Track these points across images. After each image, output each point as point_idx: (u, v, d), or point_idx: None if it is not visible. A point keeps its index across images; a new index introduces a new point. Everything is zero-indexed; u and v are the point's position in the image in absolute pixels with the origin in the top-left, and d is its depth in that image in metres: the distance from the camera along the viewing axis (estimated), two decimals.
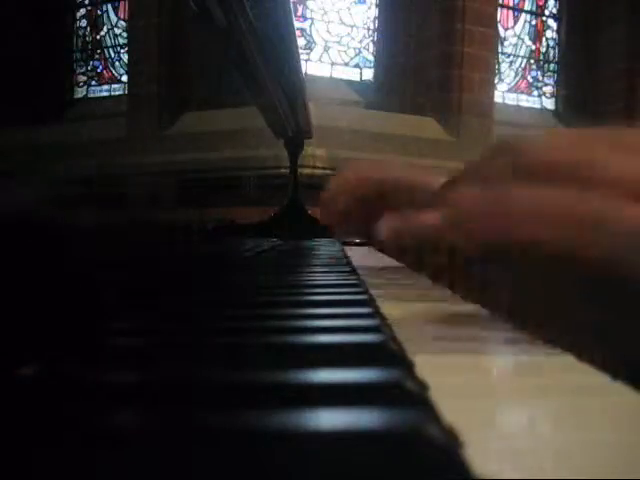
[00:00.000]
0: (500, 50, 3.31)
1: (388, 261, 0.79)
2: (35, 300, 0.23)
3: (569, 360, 0.22)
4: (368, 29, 3.14)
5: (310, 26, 3.04)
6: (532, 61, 3.48)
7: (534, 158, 0.24)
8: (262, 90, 0.86)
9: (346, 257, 0.74)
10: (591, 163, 0.23)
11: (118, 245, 0.35)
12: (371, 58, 3.15)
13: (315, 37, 3.05)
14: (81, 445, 0.11)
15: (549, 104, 3.50)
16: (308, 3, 3.02)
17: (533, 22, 3.47)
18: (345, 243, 1.11)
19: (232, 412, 0.12)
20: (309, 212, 1.22)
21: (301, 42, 2.93)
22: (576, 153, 0.24)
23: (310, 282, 0.45)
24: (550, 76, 3.51)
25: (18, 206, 0.25)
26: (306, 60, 2.96)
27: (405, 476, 0.11)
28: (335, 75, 3.07)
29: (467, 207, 0.23)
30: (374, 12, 3.13)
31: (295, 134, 1.19)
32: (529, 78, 3.47)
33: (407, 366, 0.18)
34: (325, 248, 0.95)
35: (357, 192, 0.54)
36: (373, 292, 0.36)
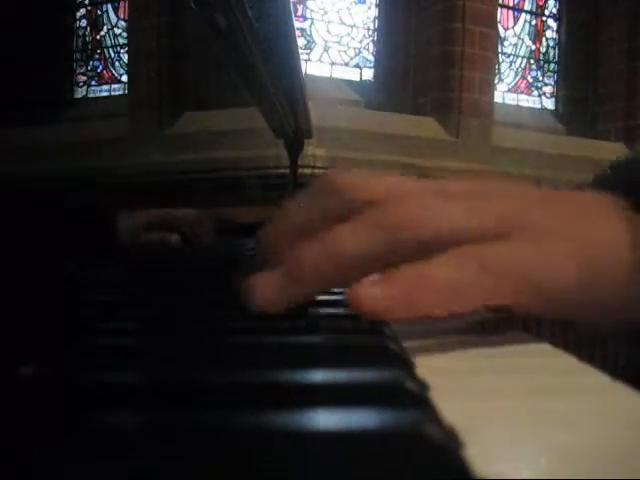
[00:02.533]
0: (500, 50, 3.31)
1: None
2: (35, 300, 0.23)
3: (569, 360, 0.22)
4: (368, 29, 3.14)
5: (310, 26, 3.04)
6: (532, 61, 3.48)
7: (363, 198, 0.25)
8: (262, 90, 0.86)
9: None
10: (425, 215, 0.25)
11: (115, 245, 0.35)
12: (371, 58, 3.14)
13: (315, 37, 3.05)
14: (81, 445, 0.11)
15: (549, 104, 3.49)
16: (308, 3, 3.02)
17: (533, 22, 3.47)
18: None
19: (232, 412, 0.12)
20: None
21: (301, 42, 2.93)
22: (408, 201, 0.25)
23: None
24: (550, 76, 3.51)
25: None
26: (306, 60, 2.96)
27: (405, 476, 0.11)
28: (335, 75, 3.07)
29: (310, 268, 0.24)
30: (374, 12, 3.13)
31: (295, 134, 1.18)
32: (529, 78, 3.46)
33: (407, 366, 0.18)
34: None
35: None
36: None
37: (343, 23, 3.09)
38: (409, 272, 0.23)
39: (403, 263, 0.23)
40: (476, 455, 0.12)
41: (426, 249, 0.23)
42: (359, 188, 0.26)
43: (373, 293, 0.23)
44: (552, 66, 3.52)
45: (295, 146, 1.22)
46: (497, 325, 0.26)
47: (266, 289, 0.24)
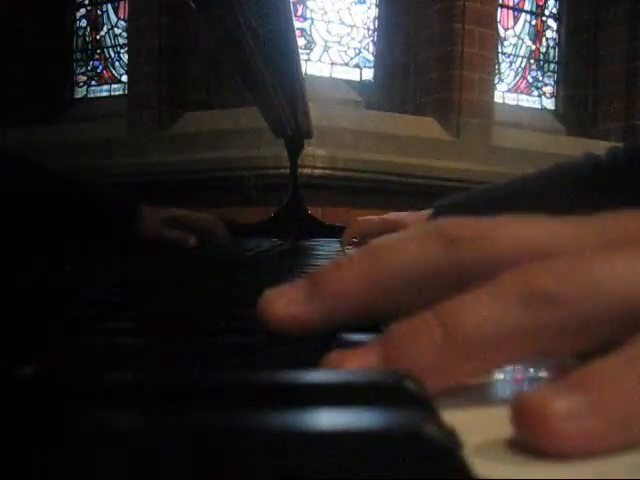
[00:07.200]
0: (500, 50, 3.31)
1: None
2: (36, 299, 0.23)
3: (569, 361, 0.21)
4: (368, 29, 3.14)
5: (310, 26, 3.04)
6: (532, 61, 3.48)
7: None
8: (262, 90, 0.86)
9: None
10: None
11: (118, 244, 0.35)
12: (371, 58, 3.15)
13: (315, 37, 3.05)
14: (81, 445, 0.11)
15: (549, 104, 3.49)
16: (308, 3, 3.02)
17: (533, 22, 3.47)
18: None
19: (232, 412, 0.12)
20: (309, 212, 1.23)
21: (301, 42, 2.93)
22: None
23: None
24: (550, 76, 3.51)
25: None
26: (306, 60, 2.96)
27: (405, 476, 0.11)
28: (335, 75, 3.07)
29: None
30: (374, 12, 3.13)
31: (295, 134, 1.18)
32: (529, 78, 3.47)
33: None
34: (325, 248, 0.95)
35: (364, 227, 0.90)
36: None
37: (343, 23, 3.09)
38: None
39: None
40: (476, 455, 0.12)
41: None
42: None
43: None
44: (552, 66, 3.52)
45: (295, 146, 1.22)
46: None
47: (283, 302, 0.20)
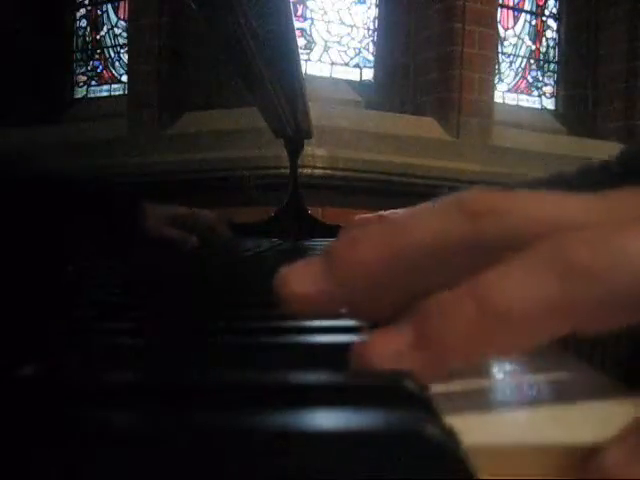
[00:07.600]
0: (500, 50, 3.31)
1: None
2: (35, 299, 0.23)
3: (568, 360, 0.22)
4: (368, 29, 3.14)
5: (310, 26, 3.04)
6: (532, 61, 3.48)
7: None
8: (262, 90, 0.86)
9: None
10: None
11: (117, 245, 0.35)
12: (371, 58, 3.15)
13: (315, 37, 3.05)
14: (80, 445, 0.11)
15: (549, 104, 3.49)
16: (308, 3, 3.02)
17: (533, 22, 3.47)
18: None
19: (232, 412, 0.12)
20: (309, 212, 1.23)
21: (301, 42, 2.93)
22: None
23: None
24: (550, 76, 3.51)
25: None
26: (306, 60, 2.96)
27: (405, 476, 0.11)
28: (335, 75, 3.07)
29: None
30: (374, 12, 3.13)
31: (295, 134, 1.19)
32: (529, 78, 3.47)
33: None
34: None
35: (362, 225, 0.81)
36: None
37: (343, 23, 3.09)
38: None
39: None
40: (476, 455, 0.12)
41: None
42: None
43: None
44: (552, 66, 3.52)
45: (295, 146, 1.22)
46: None
47: (300, 280, 0.18)
